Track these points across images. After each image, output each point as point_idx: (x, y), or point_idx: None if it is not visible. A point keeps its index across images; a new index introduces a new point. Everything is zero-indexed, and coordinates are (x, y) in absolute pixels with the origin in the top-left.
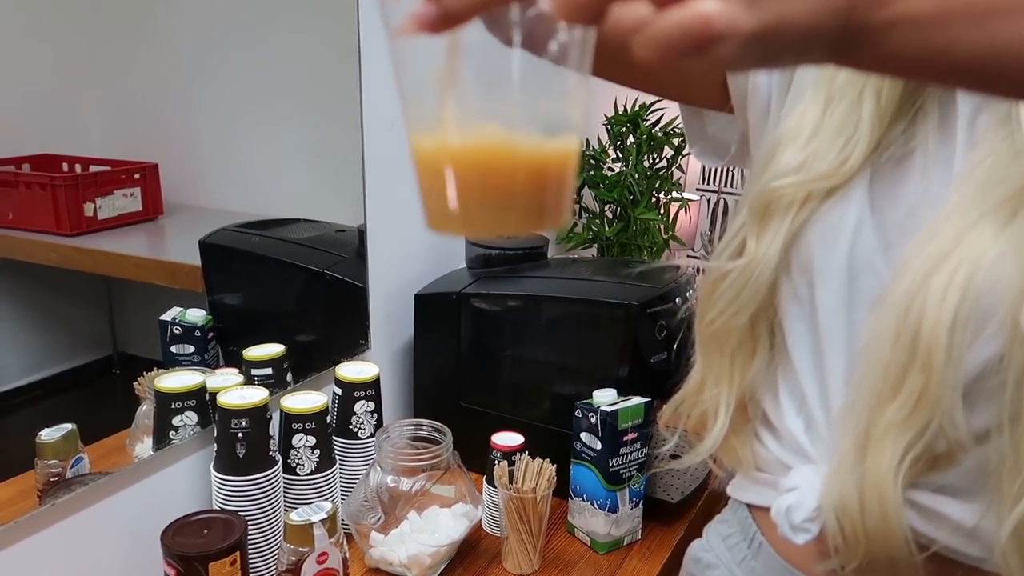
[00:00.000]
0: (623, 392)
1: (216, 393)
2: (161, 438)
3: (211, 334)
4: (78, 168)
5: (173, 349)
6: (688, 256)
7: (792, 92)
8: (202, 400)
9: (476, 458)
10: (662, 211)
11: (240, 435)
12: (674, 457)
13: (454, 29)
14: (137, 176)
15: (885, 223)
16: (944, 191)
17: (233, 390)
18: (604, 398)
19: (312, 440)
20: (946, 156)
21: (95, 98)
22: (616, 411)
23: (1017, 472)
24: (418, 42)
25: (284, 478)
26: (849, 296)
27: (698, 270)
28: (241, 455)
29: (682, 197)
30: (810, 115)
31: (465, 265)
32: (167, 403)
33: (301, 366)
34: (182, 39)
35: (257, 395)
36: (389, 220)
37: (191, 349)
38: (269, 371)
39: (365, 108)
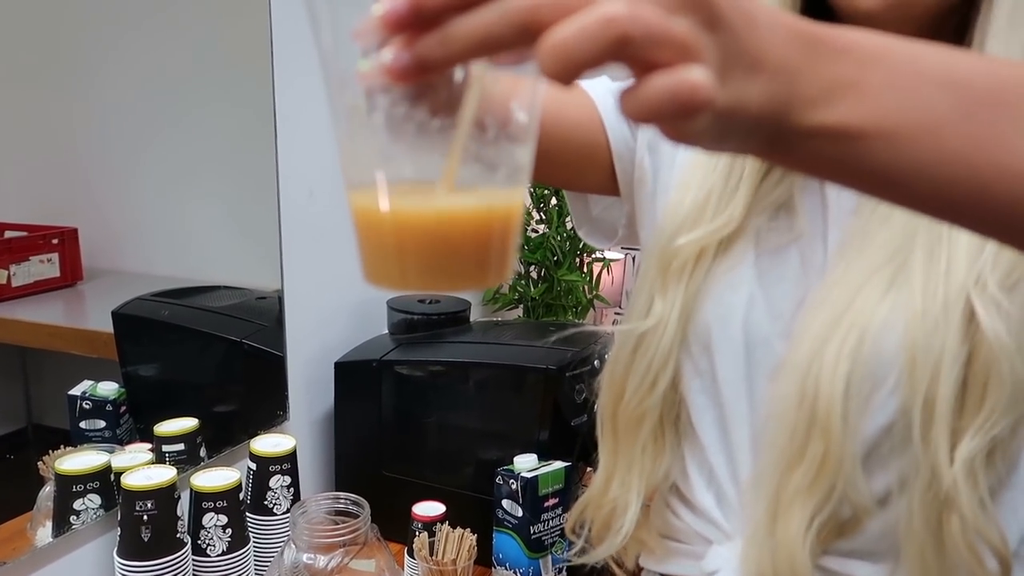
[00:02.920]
0: (545, 456)
1: (121, 473)
2: (61, 523)
3: (123, 408)
4: None
5: (83, 425)
6: (615, 314)
7: (676, 171)
8: (107, 481)
9: (401, 528)
10: (585, 271)
11: (145, 517)
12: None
13: (425, 79)
14: (55, 241)
15: (774, 295)
16: (824, 261)
17: (139, 470)
18: (525, 464)
19: (224, 519)
20: (821, 230)
21: (12, 162)
22: (536, 477)
23: (911, 536)
24: (362, 91)
25: (193, 560)
26: (747, 368)
27: None
28: (147, 539)
29: (604, 258)
30: (696, 175)
31: (387, 330)
32: (68, 486)
33: (217, 439)
34: (102, 103)
35: (164, 475)
36: (307, 286)
37: (102, 424)
38: (181, 447)
39: (281, 174)
